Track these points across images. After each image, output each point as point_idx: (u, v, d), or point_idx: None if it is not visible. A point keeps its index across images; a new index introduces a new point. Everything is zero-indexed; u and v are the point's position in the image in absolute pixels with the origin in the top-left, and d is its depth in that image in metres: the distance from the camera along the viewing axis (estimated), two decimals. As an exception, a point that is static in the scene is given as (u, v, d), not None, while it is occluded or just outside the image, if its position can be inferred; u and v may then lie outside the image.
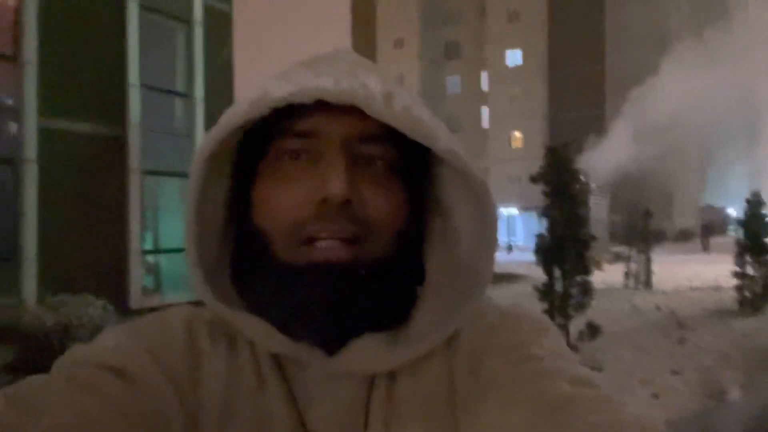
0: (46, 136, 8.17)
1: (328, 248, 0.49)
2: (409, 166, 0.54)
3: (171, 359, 0.50)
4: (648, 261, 14.07)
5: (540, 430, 0.42)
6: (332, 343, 0.51)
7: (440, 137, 0.50)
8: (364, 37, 46.11)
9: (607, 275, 15.06)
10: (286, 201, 0.50)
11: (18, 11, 7.88)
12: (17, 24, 7.87)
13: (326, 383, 0.52)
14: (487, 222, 0.54)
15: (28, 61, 7.94)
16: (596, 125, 30.92)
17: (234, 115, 0.50)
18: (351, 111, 0.48)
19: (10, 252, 7.75)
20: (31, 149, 7.98)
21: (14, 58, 7.86)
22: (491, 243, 0.55)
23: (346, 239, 0.49)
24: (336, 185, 0.47)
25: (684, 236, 35.87)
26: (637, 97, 25.91)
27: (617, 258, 18.12)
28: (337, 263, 0.49)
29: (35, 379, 0.44)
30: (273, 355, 0.53)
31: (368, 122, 0.49)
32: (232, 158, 0.55)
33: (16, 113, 7.91)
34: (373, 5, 45.34)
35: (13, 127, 7.91)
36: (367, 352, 0.51)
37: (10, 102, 7.90)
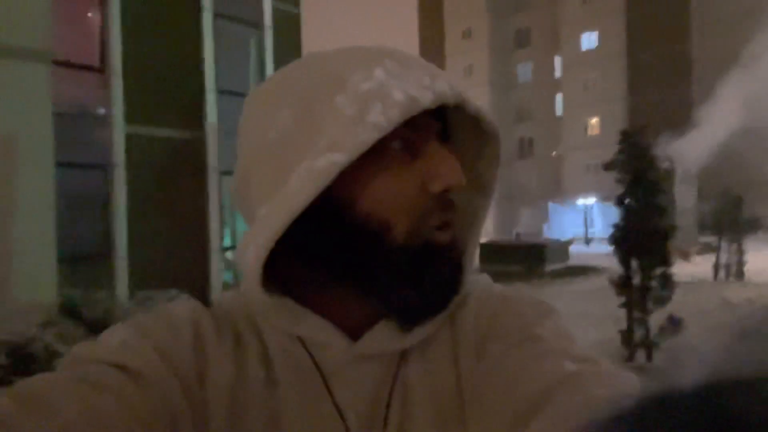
0: (131, 141, 8.75)
1: (446, 230, 0.54)
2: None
3: (178, 355, 0.50)
4: (740, 251, 13.09)
5: (545, 405, 0.43)
6: (431, 314, 0.55)
7: (492, 122, 0.57)
8: (432, 29, 45.77)
9: (696, 267, 14.17)
10: (406, 192, 0.52)
11: (104, 26, 8.46)
12: (104, 37, 8.45)
13: (349, 365, 0.54)
14: (488, 179, 0.60)
15: (115, 71, 8.52)
16: (682, 109, 29.08)
17: (389, 119, 0.49)
18: (429, 110, 0.52)
19: (104, 250, 8.38)
20: (119, 154, 8.58)
21: (102, 70, 8.45)
22: (481, 215, 0.61)
23: (451, 223, 0.55)
24: (457, 174, 0.52)
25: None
26: (731, 78, 24.07)
27: (706, 249, 17.00)
28: (452, 244, 0.54)
29: (42, 378, 0.45)
30: (287, 346, 0.54)
31: (474, 116, 0.55)
32: None
33: (104, 122, 8.51)
34: (441, -3, 44.91)
35: (102, 134, 8.52)
36: (387, 333, 0.54)
37: (102, 111, 8.51)
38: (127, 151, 8.68)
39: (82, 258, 7.95)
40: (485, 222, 0.62)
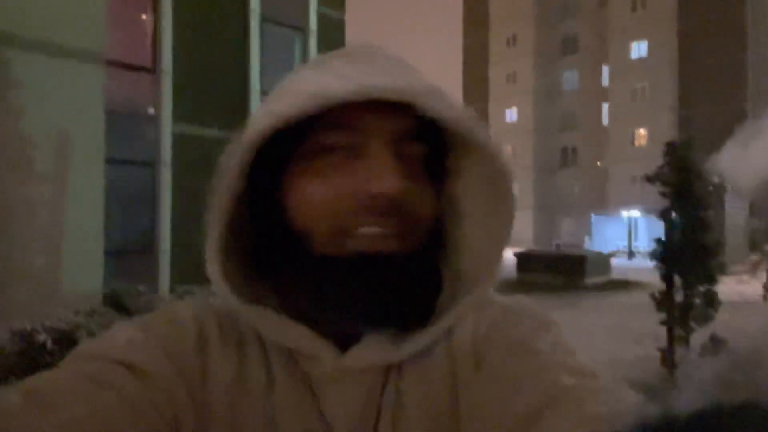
0: (178, 140, 9.01)
1: (375, 239, 0.50)
2: (436, 163, 0.55)
3: (182, 354, 0.51)
4: (793, 272, 12.47)
5: (541, 421, 0.42)
6: (370, 330, 0.52)
7: (482, 133, 0.51)
8: (477, 35, 45.49)
9: (745, 287, 13.59)
10: (328, 194, 0.50)
11: (156, 28, 8.76)
12: (155, 39, 8.75)
13: (338, 378, 0.53)
14: (502, 215, 0.55)
15: (165, 72, 8.80)
16: (736, 121, 28.04)
17: (288, 108, 0.48)
18: (392, 109, 0.49)
19: (148, 245, 8.65)
20: (166, 152, 8.85)
21: (152, 70, 8.75)
22: (501, 240, 0.55)
23: (391, 233, 0.50)
24: (389, 181, 0.48)
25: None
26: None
27: (756, 268, 16.25)
28: (385, 253, 0.49)
29: (49, 375, 0.45)
30: (284, 350, 0.54)
31: (407, 120, 0.50)
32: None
33: (153, 121, 8.80)
34: (486, 2, 44.57)
35: (151, 133, 8.81)
36: (377, 346, 0.52)
37: (151, 111, 8.81)
38: (174, 149, 8.94)
39: (127, 252, 8.23)
40: (500, 247, 0.56)
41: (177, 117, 9.00)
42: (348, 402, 0.53)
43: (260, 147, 0.51)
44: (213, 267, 0.53)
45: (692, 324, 6.14)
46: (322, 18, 11.39)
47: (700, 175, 6.26)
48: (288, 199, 0.53)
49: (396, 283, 0.50)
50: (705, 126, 29.03)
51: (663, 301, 6.28)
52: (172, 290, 8.15)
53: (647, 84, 35.63)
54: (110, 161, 6.78)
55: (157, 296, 7.07)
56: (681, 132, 30.83)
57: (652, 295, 6.44)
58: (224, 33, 9.77)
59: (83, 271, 5.95)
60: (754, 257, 15.42)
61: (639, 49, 36.20)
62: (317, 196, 0.51)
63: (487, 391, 0.49)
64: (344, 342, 0.52)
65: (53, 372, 0.46)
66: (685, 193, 6.07)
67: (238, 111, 9.89)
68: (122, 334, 0.51)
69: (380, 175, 0.48)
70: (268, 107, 0.51)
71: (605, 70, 38.52)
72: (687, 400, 0.20)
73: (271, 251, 0.55)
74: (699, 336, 6.26)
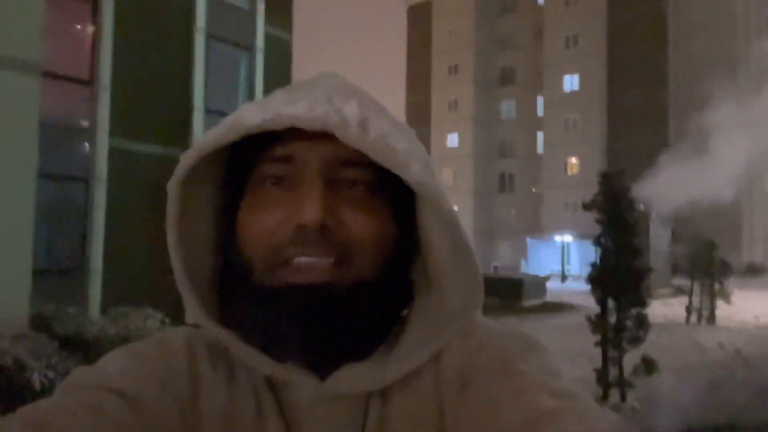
0: (115, 156, 8.68)
1: (308, 269, 0.49)
2: (393, 190, 0.53)
3: (173, 382, 0.51)
4: (712, 295, 13.35)
5: None
6: (317, 364, 0.52)
7: (412, 167, 0.50)
8: (420, 62, 46.61)
9: (668, 309, 14.39)
10: (265, 225, 0.51)
11: (95, 39, 8.47)
12: (94, 51, 8.45)
13: (319, 405, 0.53)
14: (463, 254, 0.54)
15: (103, 85, 8.49)
16: (658, 153, 29.88)
17: (208, 140, 0.51)
18: (329, 136, 0.49)
19: (78, 264, 8.21)
20: (101, 168, 8.48)
21: (90, 83, 8.42)
22: (471, 272, 0.55)
23: (325, 263, 0.49)
24: (310, 211, 0.48)
25: (753, 271, 33.84)
26: (704, 125, 24.90)
27: (678, 291, 17.28)
28: (316, 284, 0.49)
29: (46, 403, 0.46)
30: (266, 377, 0.54)
31: (347, 147, 0.49)
32: (218, 183, 0.58)
33: (89, 134, 8.44)
34: (429, 31, 45.88)
35: (85, 147, 8.44)
36: (357, 373, 0.52)
37: (87, 124, 8.45)
38: (110, 165, 8.60)
39: (56, 271, 7.78)
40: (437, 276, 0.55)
41: (114, 132, 8.68)
42: (326, 429, 0.52)
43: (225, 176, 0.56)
44: (185, 294, 0.55)
45: (625, 345, 6.43)
46: (269, 37, 11.37)
47: (632, 203, 6.63)
48: (237, 230, 0.54)
49: (327, 314, 0.49)
50: (631, 156, 30.80)
51: (598, 323, 6.55)
52: (104, 312, 7.75)
53: (579, 115, 37.54)
54: (42, 175, 6.43)
55: (87, 319, 6.72)
56: (609, 162, 32.58)
57: (588, 318, 6.71)
58: (168, 48, 9.56)
59: (8, 292, 5.57)
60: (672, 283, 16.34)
61: (571, 82, 38.19)
62: (256, 228, 0.51)
63: (471, 413, 0.50)
64: (323, 368, 0.52)
65: (50, 400, 0.46)
66: (617, 220, 6.41)
67: (180, 128, 9.66)
68: (114, 362, 0.51)
69: (304, 204, 0.49)
70: (198, 140, 0.53)
71: (540, 100, 40.31)
72: (667, 421, 0.21)
73: (228, 281, 0.55)
74: (630, 356, 6.57)
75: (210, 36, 10.16)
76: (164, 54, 9.49)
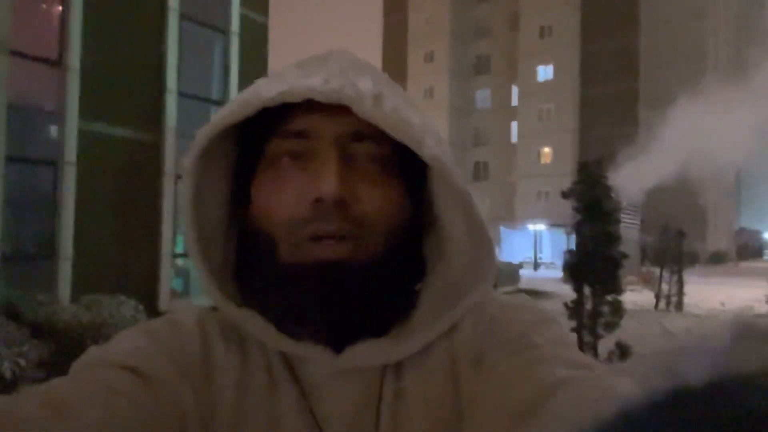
0: (85, 139, 8.43)
1: (325, 246, 0.49)
2: (406, 164, 0.54)
3: (186, 360, 0.51)
4: (680, 283, 13.74)
5: (539, 409, 0.43)
6: (334, 340, 0.52)
7: (426, 142, 0.50)
8: (395, 49, 46.41)
9: (638, 296, 14.76)
10: (282, 201, 0.51)
11: (63, 18, 8.17)
12: (63, 31, 8.16)
13: (335, 380, 0.53)
14: (476, 229, 0.54)
15: (72, 66, 8.21)
16: (628, 143, 30.48)
17: (225, 114, 0.51)
18: (344, 110, 0.49)
19: (47, 251, 7.99)
20: (70, 152, 8.23)
21: (58, 64, 8.14)
22: (486, 248, 0.55)
23: (341, 237, 0.50)
24: (328, 184, 0.48)
25: (717, 259, 34.93)
26: (672, 117, 25.48)
27: (647, 279, 17.71)
28: (335, 260, 0.49)
29: (61, 381, 0.46)
30: (283, 352, 0.54)
31: (362, 121, 0.49)
32: (232, 159, 0.57)
33: (57, 117, 8.18)
34: (405, 18, 45.66)
35: (54, 130, 8.18)
36: (372, 347, 0.52)
37: (54, 106, 8.18)
38: (80, 148, 8.35)
39: (25, 257, 7.56)
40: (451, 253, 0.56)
41: (84, 114, 8.41)
42: (342, 403, 0.53)
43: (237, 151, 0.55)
44: (202, 273, 0.55)
45: (600, 331, 6.57)
46: (244, 20, 11.15)
47: (608, 191, 6.75)
48: (252, 207, 0.54)
49: (345, 291, 0.50)
50: (603, 146, 31.35)
51: (573, 310, 6.67)
52: (74, 299, 7.57)
53: (552, 105, 37.96)
54: (9, 159, 6.21)
55: (59, 307, 6.54)
56: (581, 152, 33.09)
57: (565, 304, 6.83)
58: (140, 29, 9.29)
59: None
60: (644, 269, 16.77)
61: (546, 72, 38.54)
62: (273, 204, 0.52)
63: (486, 386, 0.50)
64: (338, 343, 0.52)
65: (65, 379, 0.46)
66: (595, 208, 6.52)
67: (152, 111, 9.43)
68: (128, 341, 0.51)
69: (321, 178, 0.49)
70: (215, 115, 0.53)
71: (515, 90, 40.62)
72: (697, 369, 0.19)
73: (246, 260, 0.55)
74: (604, 342, 6.72)
75: (183, 17, 9.91)
76: (136, 34, 9.22)
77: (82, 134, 8.40)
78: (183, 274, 10.04)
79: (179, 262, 9.89)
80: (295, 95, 0.48)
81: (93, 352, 0.50)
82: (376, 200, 0.51)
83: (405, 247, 0.54)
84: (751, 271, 23.38)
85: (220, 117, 0.51)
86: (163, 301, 9.03)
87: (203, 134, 0.52)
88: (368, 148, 0.52)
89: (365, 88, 0.49)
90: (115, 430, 0.42)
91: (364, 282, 0.50)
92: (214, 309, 0.57)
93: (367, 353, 0.52)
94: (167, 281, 9.35)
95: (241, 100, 0.50)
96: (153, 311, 8.10)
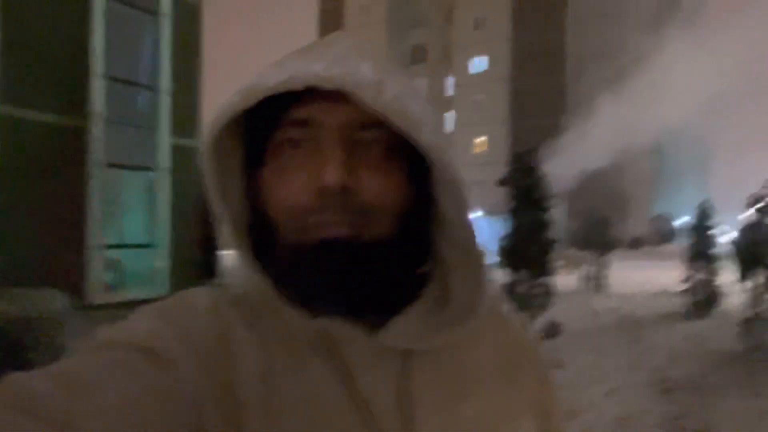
0: (5, 124, 7.91)
1: (329, 225, 0.50)
2: (409, 152, 0.53)
3: (200, 340, 0.51)
4: (603, 266, 14.54)
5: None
6: (350, 315, 0.53)
7: (425, 129, 0.50)
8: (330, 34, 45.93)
9: (563, 279, 15.50)
10: (287, 189, 0.52)
11: (-21, -5, 7.60)
12: (-22, 8, 7.59)
13: (371, 356, 0.54)
14: (464, 215, 0.56)
15: (-12, 46, 7.67)
16: (555, 133, 31.74)
17: (230, 104, 0.51)
18: (346, 98, 0.49)
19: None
20: (-12, 138, 7.71)
21: (-26, 43, 7.58)
22: (475, 234, 0.57)
23: (343, 222, 0.50)
24: (332, 173, 0.48)
25: (636, 244, 37.12)
26: (596, 109, 26.78)
27: (572, 262, 18.61)
28: (339, 237, 0.50)
29: (75, 361, 0.46)
30: (310, 332, 0.54)
31: (364, 109, 0.49)
32: (241, 146, 0.58)
33: (-27, 100, 7.63)
34: (341, 5, 45.30)
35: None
36: (403, 329, 0.54)
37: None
38: (0, 134, 7.83)
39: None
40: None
41: (4, 98, 7.89)
42: (383, 380, 0.54)
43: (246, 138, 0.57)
44: (242, 254, 0.57)
45: (534, 312, 6.90)
46: (176, 2, 10.73)
47: (541, 180, 7.07)
48: (262, 194, 0.55)
49: (352, 268, 0.50)
50: (531, 136, 32.47)
51: (508, 292, 6.98)
52: (-4, 294, 7.13)
53: (486, 96, 38.88)
54: None
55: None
56: (514, 142, 34.15)
57: (502, 287, 7.12)
58: (62, 8, 8.77)
59: None
60: (568, 255, 17.53)
61: (480, 63, 39.37)
62: (279, 192, 0.52)
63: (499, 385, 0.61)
64: (376, 323, 0.54)
65: (79, 358, 0.46)
66: (529, 195, 6.82)
67: (77, 95, 8.95)
68: (141, 322, 0.51)
69: (326, 167, 0.49)
70: (220, 106, 0.53)
71: (451, 80, 41.24)
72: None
73: (262, 247, 0.56)
74: (537, 322, 7.08)
75: (111, -3, 9.42)
76: (58, 14, 8.69)
77: (2, 119, 7.88)
78: (117, 266, 9.64)
79: (112, 254, 9.47)
80: (296, 82, 0.48)
81: (105, 333, 0.50)
82: (379, 187, 0.52)
83: (409, 231, 0.54)
84: (667, 255, 25.11)
85: (225, 107, 0.51)
86: (96, 294, 8.66)
87: (212, 127, 0.52)
88: (372, 134, 0.52)
89: (367, 75, 0.49)
90: (128, 411, 0.42)
91: (369, 259, 0.51)
92: (225, 289, 0.58)
93: (401, 335, 0.53)
94: (98, 274, 8.95)
95: (246, 89, 0.51)
96: (82, 305, 7.76)
